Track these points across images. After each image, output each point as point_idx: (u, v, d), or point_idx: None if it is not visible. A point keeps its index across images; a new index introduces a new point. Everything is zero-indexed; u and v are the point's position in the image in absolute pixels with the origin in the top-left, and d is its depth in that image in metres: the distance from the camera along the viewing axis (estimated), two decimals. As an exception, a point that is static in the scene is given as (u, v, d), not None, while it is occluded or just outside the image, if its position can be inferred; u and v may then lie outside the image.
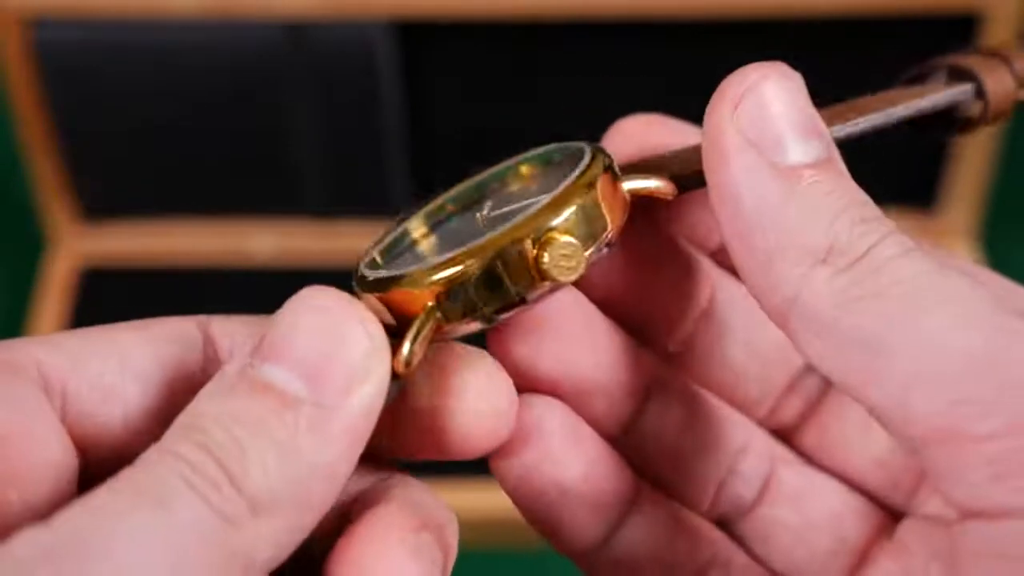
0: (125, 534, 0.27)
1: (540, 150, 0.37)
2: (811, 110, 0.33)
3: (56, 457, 0.31)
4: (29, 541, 0.27)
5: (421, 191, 1.06)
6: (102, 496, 0.28)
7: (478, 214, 0.35)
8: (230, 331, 0.34)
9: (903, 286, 0.31)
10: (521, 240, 0.32)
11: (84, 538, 0.27)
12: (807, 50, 0.86)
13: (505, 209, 0.34)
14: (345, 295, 0.31)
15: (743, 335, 0.39)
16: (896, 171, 0.99)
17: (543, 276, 0.32)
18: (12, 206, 1.10)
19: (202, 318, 0.35)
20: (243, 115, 1.00)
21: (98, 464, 0.33)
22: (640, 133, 0.38)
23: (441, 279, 0.32)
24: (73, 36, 0.96)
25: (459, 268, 0.32)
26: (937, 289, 0.31)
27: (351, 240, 1.05)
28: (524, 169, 0.37)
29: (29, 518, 0.30)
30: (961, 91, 0.38)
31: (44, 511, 0.30)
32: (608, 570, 0.38)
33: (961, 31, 0.94)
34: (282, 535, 0.29)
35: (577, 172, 0.33)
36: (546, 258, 0.32)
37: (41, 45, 0.96)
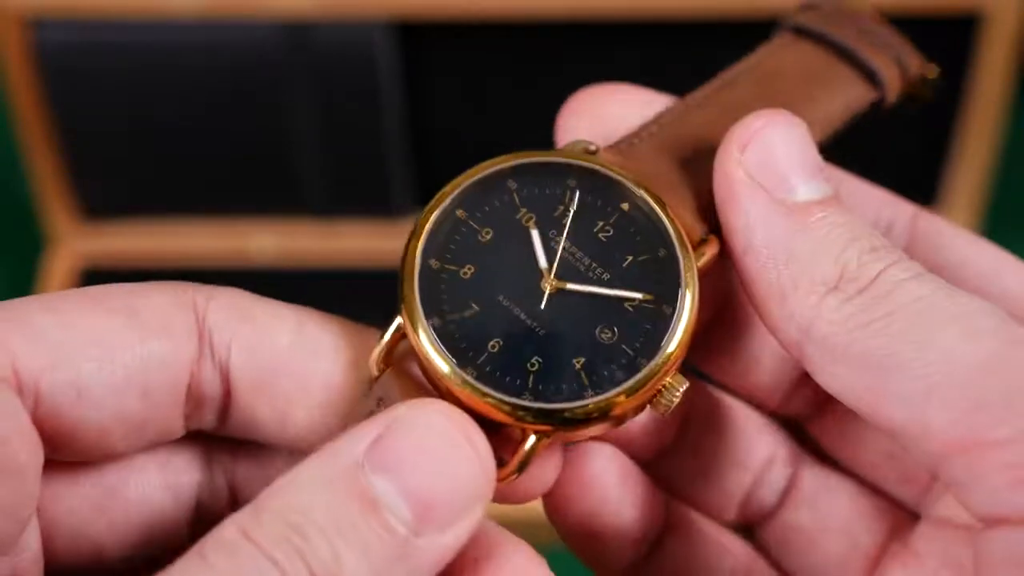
0: None
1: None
2: (814, 152, 0.35)
3: (22, 460, 0.31)
4: None
5: (421, 191, 1.06)
6: None
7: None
8: (231, 329, 0.34)
9: (912, 307, 0.32)
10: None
11: None
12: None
13: (583, 288, 0.35)
14: (466, 419, 0.31)
15: (758, 328, 0.39)
16: (896, 170, 0.99)
17: (652, 409, 0.34)
18: (12, 206, 1.10)
19: (199, 299, 0.34)
20: (243, 115, 1.00)
21: (63, 455, 0.33)
22: (591, 107, 0.39)
23: (574, 428, 0.34)
24: (73, 36, 0.96)
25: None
26: (945, 307, 0.32)
27: (351, 240, 1.05)
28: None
29: None
30: (860, 98, 0.40)
31: (4, 509, 0.30)
32: None
33: (961, 31, 0.94)
34: None
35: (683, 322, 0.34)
36: (663, 400, 0.34)
37: (41, 45, 0.96)
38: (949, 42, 0.95)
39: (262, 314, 0.35)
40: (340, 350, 0.35)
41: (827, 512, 0.39)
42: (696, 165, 0.37)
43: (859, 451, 0.39)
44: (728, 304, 0.39)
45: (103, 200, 1.05)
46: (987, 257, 0.38)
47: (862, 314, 0.32)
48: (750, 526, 0.40)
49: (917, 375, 0.31)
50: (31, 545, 0.32)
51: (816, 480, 0.40)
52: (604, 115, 0.39)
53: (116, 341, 0.32)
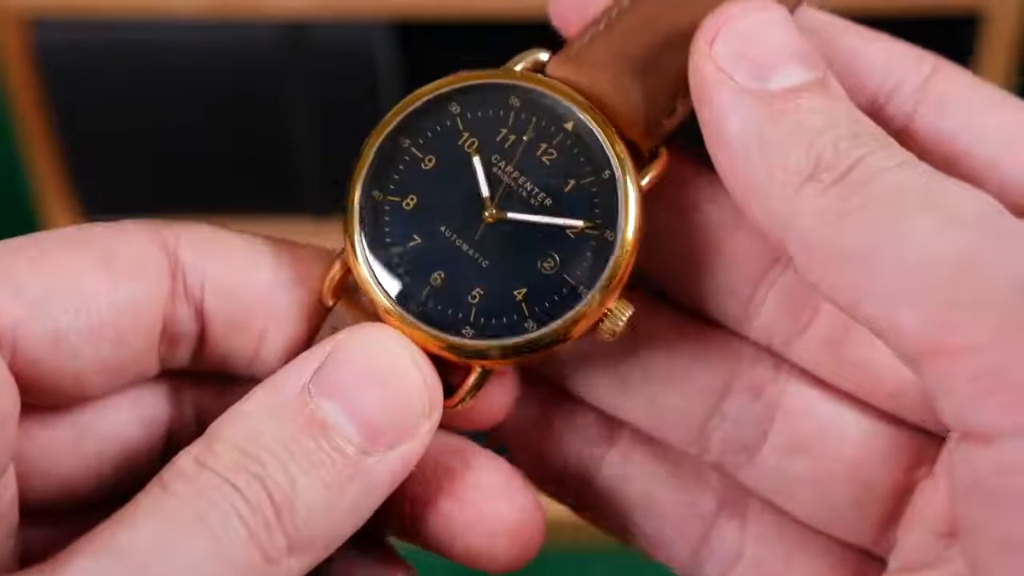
0: (183, 565, 0.27)
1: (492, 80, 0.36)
2: (793, 36, 0.32)
3: (2, 411, 0.31)
4: (81, 572, 0.27)
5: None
6: (156, 519, 0.28)
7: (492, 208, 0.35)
8: (203, 267, 0.34)
9: (890, 196, 0.29)
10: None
11: (148, 570, 0.27)
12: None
13: (525, 217, 0.34)
14: (408, 343, 0.32)
15: (720, 239, 0.36)
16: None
17: (597, 336, 0.34)
18: (12, 206, 1.10)
19: (169, 239, 0.34)
20: (243, 115, 1.00)
21: (39, 401, 0.33)
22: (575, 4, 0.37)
23: (517, 359, 0.34)
24: (73, 36, 0.96)
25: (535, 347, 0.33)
26: (924, 196, 0.29)
27: (351, 240, 1.05)
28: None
29: None
30: None
31: None
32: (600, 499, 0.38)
33: (961, 31, 0.94)
34: (303, 570, 0.30)
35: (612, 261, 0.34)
36: (607, 326, 0.34)
37: (41, 46, 0.96)
38: (949, 42, 0.95)
39: (235, 249, 0.35)
40: (314, 280, 0.35)
41: (826, 454, 0.36)
42: (646, 64, 0.35)
43: (864, 374, 0.36)
44: (687, 214, 0.37)
45: (103, 200, 1.05)
46: (1001, 127, 0.35)
47: (838, 204, 0.30)
48: (729, 467, 0.37)
49: (887, 272, 0.28)
50: (8, 489, 0.32)
51: (808, 417, 0.36)
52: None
53: (91, 288, 0.32)
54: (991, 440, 0.27)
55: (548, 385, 0.38)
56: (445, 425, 0.34)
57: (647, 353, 0.37)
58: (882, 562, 0.36)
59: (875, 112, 0.35)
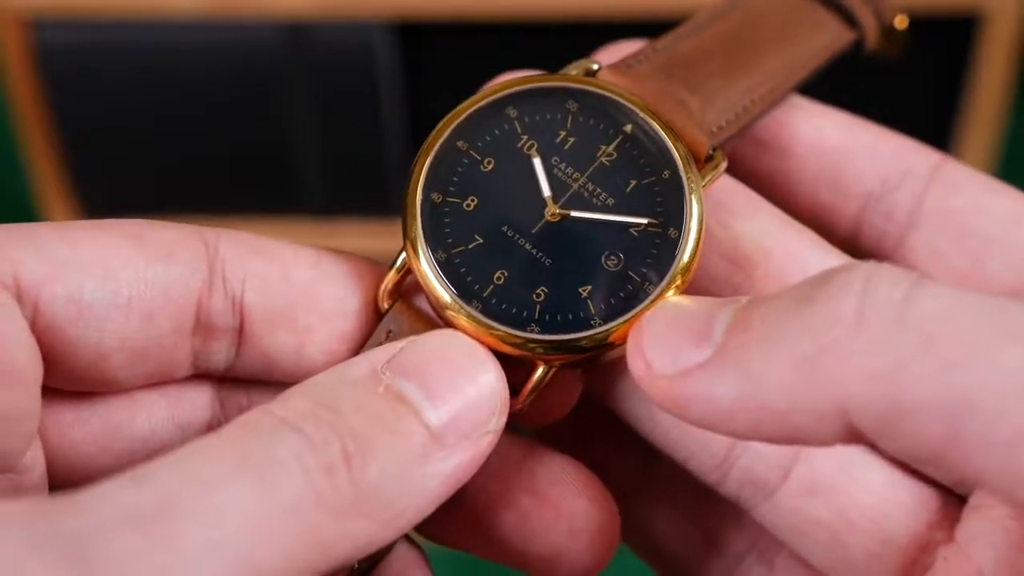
0: (219, 506, 0.25)
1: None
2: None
3: (21, 366, 0.30)
4: (113, 498, 0.25)
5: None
6: (198, 457, 0.26)
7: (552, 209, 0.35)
8: (245, 263, 0.34)
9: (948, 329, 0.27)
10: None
11: (175, 503, 0.25)
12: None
13: (587, 215, 0.34)
14: (479, 344, 0.32)
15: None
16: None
17: None
18: (12, 206, 1.10)
19: (210, 236, 0.34)
20: (243, 115, 1.00)
21: (62, 378, 0.32)
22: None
23: (583, 355, 0.33)
24: (73, 37, 0.96)
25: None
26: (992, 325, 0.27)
27: (350, 240, 1.05)
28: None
29: None
30: (837, 39, 0.40)
31: (5, 417, 0.30)
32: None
33: (961, 31, 0.94)
34: (364, 539, 0.28)
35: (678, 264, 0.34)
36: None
37: (41, 46, 0.96)
38: (949, 42, 0.95)
39: (277, 249, 0.35)
40: (358, 281, 0.35)
41: (847, 501, 0.35)
42: (694, 84, 0.36)
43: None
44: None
45: (103, 200, 1.05)
46: (1004, 205, 0.36)
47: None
48: (748, 502, 0.36)
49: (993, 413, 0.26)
50: (36, 464, 0.32)
51: (833, 460, 0.35)
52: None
53: (120, 261, 0.32)
54: None
55: (592, 413, 0.38)
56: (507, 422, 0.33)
57: None
58: None
59: (888, 193, 0.37)
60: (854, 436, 0.28)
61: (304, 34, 0.95)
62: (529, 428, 0.36)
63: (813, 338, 0.28)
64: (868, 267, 0.29)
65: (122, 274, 0.32)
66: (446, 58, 0.98)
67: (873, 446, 0.28)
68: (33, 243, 0.31)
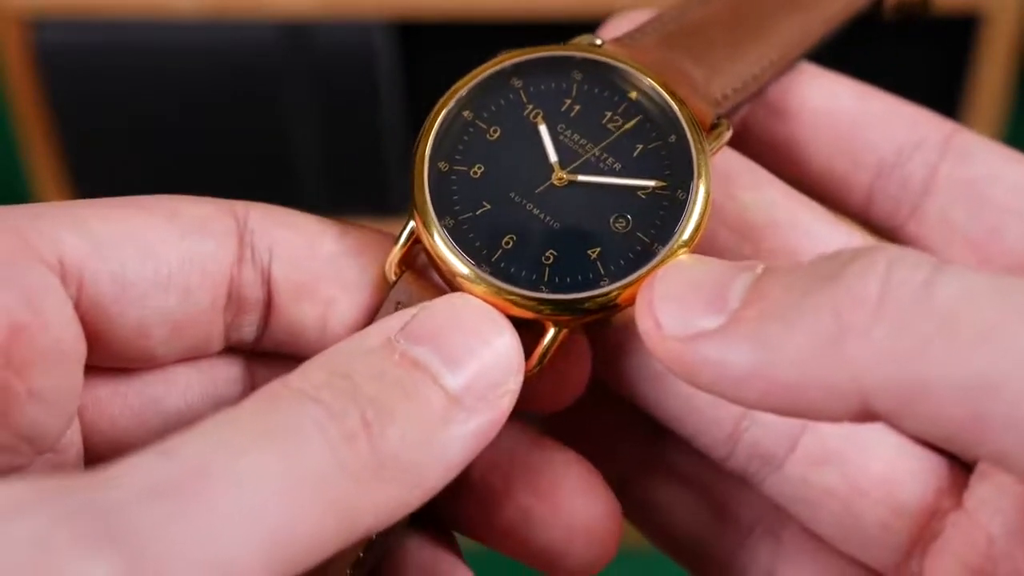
0: (250, 474, 0.25)
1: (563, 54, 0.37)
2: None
3: (65, 347, 0.30)
4: (142, 470, 0.25)
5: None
6: (224, 428, 0.26)
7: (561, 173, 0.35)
8: (271, 235, 0.34)
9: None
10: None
11: (205, 472, 0.25)
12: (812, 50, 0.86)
13: (595, 179, 0.35)
14: (494, 310, 0.32)
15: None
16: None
17: None
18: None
19: (240, 209, 0.34)
20: (242, 115, 1.00)
21: (102, 355, 0.32)
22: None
23: (592, 316, 0.33)
24: (73, 36, 0.96)
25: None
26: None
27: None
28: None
29: (33, 405, 0.30)
30: None
31: (49, 398, 0.30)
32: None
33: (961, 31, 0.94)
34: (390, 506, 0.28)
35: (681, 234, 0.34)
36: None
37: (41, 46, 0.96)
38: (949, 42, 0.95)
39: (303, 221, 0.35)
40: (381, 254, 0.35)
41: (858, 470, 0.35)
42: (699, 53, 0.36)
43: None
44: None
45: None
46: (1021, 175, 0.36)
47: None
48: (756, 476, 0.36)
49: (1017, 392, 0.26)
50: (73, 443, 0.32)
51: (841, 429, 0.35)
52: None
53: (157, 237, 0.32)
54: None
55: (595, 392, 0.37)
56: (524, 407, 0.33)
57: None
58: None
59: (901, 163, 0.37)
60: (867, 415, 0.28)
61: (304, 34, 0.95)
62: (546, 412, 0.36)
63: (836, 316, 0.27)
64: (893, 250, 0.29)
65: (161, 250, 0.32)
66: (446, 58, 0.98)
67: (887, 424, 0.28)
68: (75, 222, 0.31)
